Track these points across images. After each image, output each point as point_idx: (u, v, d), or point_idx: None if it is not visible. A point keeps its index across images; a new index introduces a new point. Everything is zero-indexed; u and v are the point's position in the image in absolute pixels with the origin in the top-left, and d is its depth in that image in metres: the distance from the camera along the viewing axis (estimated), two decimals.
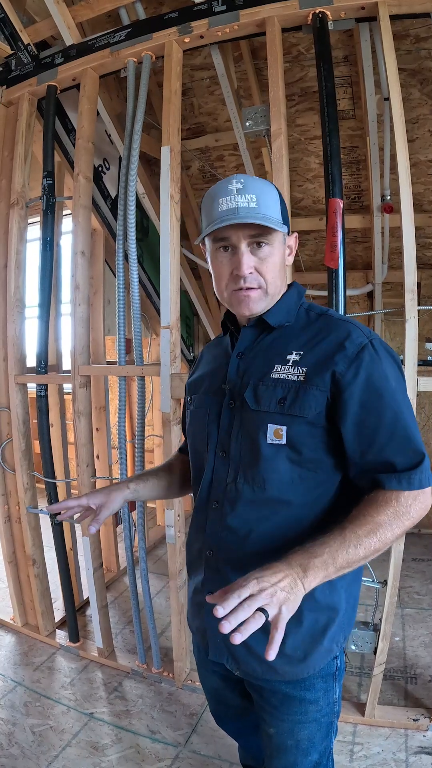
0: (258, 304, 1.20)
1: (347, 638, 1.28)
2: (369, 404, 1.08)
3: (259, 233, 1.15)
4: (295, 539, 1.08)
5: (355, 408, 1.08)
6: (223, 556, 1.21)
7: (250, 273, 1.17)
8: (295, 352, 1.16)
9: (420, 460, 1.07)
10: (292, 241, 1.29)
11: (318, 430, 1.11)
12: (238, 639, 0.81)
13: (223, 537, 1.21)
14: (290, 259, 1.29)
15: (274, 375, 1.16)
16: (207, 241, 1.23)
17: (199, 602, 1.29)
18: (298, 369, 1.13)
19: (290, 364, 1.15)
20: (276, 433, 1.12)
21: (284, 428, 1.11)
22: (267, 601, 0.87)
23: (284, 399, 1.12)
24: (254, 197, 1.13)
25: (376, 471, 1.09)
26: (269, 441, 1.13)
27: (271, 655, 0.82)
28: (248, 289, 1.18)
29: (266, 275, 1.18)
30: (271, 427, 1.13)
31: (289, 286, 1.31)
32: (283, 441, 1.12)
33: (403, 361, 1.97)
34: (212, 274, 1.26)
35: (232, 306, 1.24)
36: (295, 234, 1.30)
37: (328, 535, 1.00)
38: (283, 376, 1.14)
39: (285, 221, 1.20)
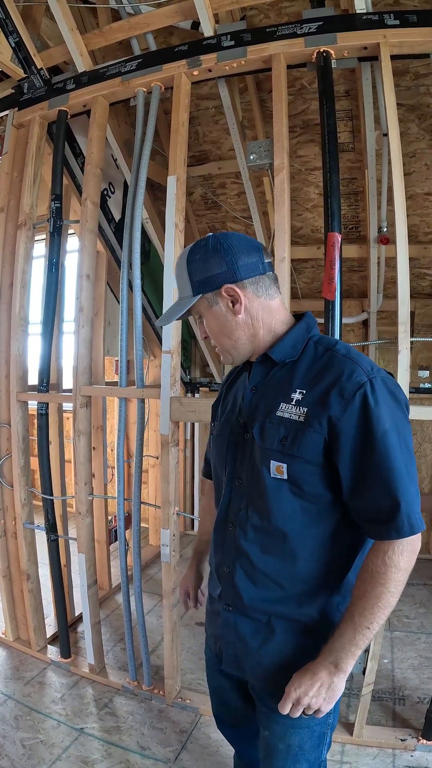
0: (227, 358, 1.35)
1: None
2: (357, 448, 1.12)
3: (187, 313, 1.33)
4: (299, 565, 1.22)
5: (347, 451, 1.12)
6: (238, 573, 1.30)
7: (205, 338, 1.36)
8: (299, 391, 1.20)
9: (396, 508, 1.08)
10: (225, 292, 1.24)
11: (316, 468, 1.16)
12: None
13: (237, 557, 1.30)
14: (239, 308, 1.25)
15: (279, 413, 1.21)
16: None
17: (215, 611, 1.41)
18: (299, 409, 1.17)
19: (293, 403, 1.19)
20: (278, 469, 1.19)
21: (284, 465, 1.18)
22: (308, 709, 1.15)
23: (285, 438, 1.18)
24: (177, 286, 1.33)
25: (364, 515, 1.15)
26: (272, 475, 1.20)
27: (284, 709, 1.16)
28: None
29: (213, 340, 1.34)
30: (274, 464, 1.19)
31: (300, 317, 1.33)
32: (285, 476, 1.18)
33: None
34: None
35: None
36: (226, 286, 1.23)
37: (342, 626, 1.15)
38: (286, 415, 1.19)
39: (202, 284, 1.25)
